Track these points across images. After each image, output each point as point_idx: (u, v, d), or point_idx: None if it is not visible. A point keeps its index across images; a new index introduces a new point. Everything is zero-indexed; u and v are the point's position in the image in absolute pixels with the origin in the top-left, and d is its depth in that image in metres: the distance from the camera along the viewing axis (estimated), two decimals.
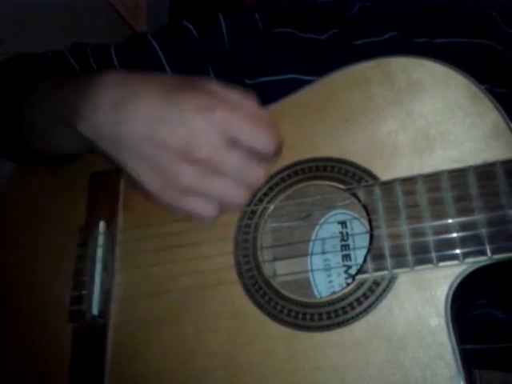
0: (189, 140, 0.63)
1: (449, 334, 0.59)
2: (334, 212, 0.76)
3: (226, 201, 0.68)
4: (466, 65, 0.69)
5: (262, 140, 0.65)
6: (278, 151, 0.68)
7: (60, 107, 0.73)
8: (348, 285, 0.65)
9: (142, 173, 0.66)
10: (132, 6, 1.90)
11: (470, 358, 0.67)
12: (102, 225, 0.80)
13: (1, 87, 0.85)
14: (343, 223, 0.76)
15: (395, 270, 0.62)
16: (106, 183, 0.83)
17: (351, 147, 0.69)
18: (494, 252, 0.59)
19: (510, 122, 0.63)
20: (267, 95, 0.77)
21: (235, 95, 0.66)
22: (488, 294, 0.73)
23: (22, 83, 0.81)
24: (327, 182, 0.70)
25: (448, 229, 0.61)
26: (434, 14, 0.87)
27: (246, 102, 0.66)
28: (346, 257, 0.74)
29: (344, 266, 0.74)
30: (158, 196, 0.67)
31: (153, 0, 2.04)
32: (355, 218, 0.75)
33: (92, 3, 1.75)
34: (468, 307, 0.71)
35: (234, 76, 0.89)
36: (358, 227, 0.75)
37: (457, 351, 0.59)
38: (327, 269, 0.75)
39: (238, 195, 0.67)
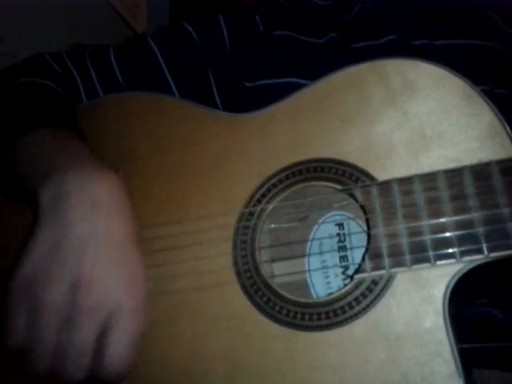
0: (90, 282, 0.60)
1: (447, 332, 0.61)
2: (331, 213, 0.78)
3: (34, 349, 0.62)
4: (465, 66, 0.71)
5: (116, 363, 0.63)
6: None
7: (43, 166, 0.71)
8: (346, 284, 0.67)
9: (37, 251, 0.63)
10: (132, 6, 1.92)
11: (469, 358, 0.68)
12: None
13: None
14: (340, 224, 0.77)
15: (393, 269, 0.64)
16: None
17: (347, 148, 0.71)
18: (490, 250, 0.61)
19: (504, 122, 0.65)
20: (266, 98, 0.79)
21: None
22: (487, 294, 0.74)
23: (15, 125, 0.79)
24: (324, 183, 0.72)
25: (445, 227, 0.63)
26: (433, 15, 0.89)
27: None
28: (344, 258, 0.76)
29: (342, 266, 0.76)
30: (16, 280, 0.64)
31: (153, 0, 2.06)
32: (352, 218, 0.76)
33: (92, 3, 1.77)
34: (465, 307, 0.73)
35: (233, 79, 0.91)
36: (355, 228, 0.76)
37: (455, 349, 0.60)
38: (325, 270, 0.76)
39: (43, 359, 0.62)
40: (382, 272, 0.64)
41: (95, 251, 0.62)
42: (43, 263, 0.62)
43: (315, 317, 0.66)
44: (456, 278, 0.62)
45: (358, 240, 0.75)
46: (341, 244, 0.77)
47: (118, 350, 0.62)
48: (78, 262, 0.61)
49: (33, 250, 0.63)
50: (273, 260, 0.77)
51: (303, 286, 0.77)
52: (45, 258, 0.62)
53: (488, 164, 0.63)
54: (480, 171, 0.63)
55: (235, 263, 0.72)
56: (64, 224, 0.62)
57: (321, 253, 0.78)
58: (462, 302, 0.71)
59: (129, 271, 0.63)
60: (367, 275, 0.65)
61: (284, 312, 0.68)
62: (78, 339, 0.60)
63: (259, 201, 0.74)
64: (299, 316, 0.67)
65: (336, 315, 0.66)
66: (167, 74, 0.91)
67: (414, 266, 0.63)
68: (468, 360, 0.64)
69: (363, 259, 0.66)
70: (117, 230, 0.64)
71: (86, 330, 0.60)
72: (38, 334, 0.61)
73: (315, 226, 0.79)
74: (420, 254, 0.63)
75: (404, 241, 0.64)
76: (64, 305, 0.60)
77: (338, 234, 0.77)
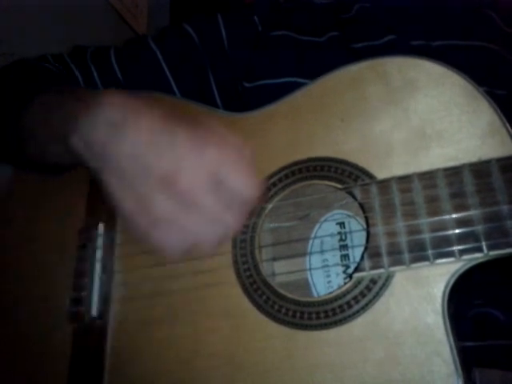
0: (173, 171, 0.63)
1: (446, 331, 0.61)
2: (332, 213, 0.79)
3: (194, 240, 0.66)
4: (464, 67, 0.71)
5: (246, 189, 0.65)
6: (259, 200, 0.67)
7: (57, 119, 0.74)
8: (345, 283, 0.68)
9: (119, 193, 0.66)
10: (132, 6, 1.94)
11: (470, 356, 0.68)
12: (101, 227, 0.83)
13: (2, 95, 0.87)
14: (341, 224, 0.78)
15: (392, 268, 0.65)
16: None
17: (347, 147, 0.72)
18: (489, 248, 0.61)
19: (505, 120, 0.65)
20: (266, 98, 0.80)
21: (232, 140, 0.67)
22: (487, 294, 0.75)
23: (23, 93, 0.83)
24: (324, 182, 0.72)
25: (444, 225, 0.63)
26: (432, 16, 0.90)
27: (240, 147, 0.66)
28: (345, 257, 0.76)
29: (343, 266, 0.76)
30: (129, 220, 0.66)
31: (153, 0, 2.07)
32: (352, 217, 0.77)
33: (92, 3, 1.78)
34: (466, 306, 0.73)
35: (233, 79, 0.91)
36: (357, 227, 0.77)
37: (454, 349, 0.61)
38: (326, 269, 0.77)
39: (209, 237, 0.65)
40: (381, 271, 0.65)
41: (149, 152, 0.63)
42: (131, 192, 0.65)
43: (314, 316, 0.67)
44: (455, 277, 0.63)
45: (360, 239, 0.75)
46: (342, 243, 0.78)
47: (237, 183, 0.64)
48: (148, 167, 0.63)
49: (114, 190, 0.66)
50: (274, 259, 0.77)
51: (304, 286, 0.78)
52: (128, 187, 0.65)
53: (488, 162, 0.64)
54: (480, 169, 0.64)
55: (235, 262, 0.73)
56: (111, 156, 0.65)
57: (322, 252, 0.78)
58: (462, 302, 0.72)
59: (185, 138, 0.64)
60: (366, 274, 0.66)
61: (283, 311, 0.69)
62: (204, 208, 0.63)
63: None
64: (298, 315, 0.68)
65: (335, 314, 0.66)
66: (168, 74, 0.92)
67: (413, 265, 0.64)
68: (469, 358, 0.64)
69: (362, 258, 0.66)
70: (147, 126, 0.65)
71: (205, 199, 0.63)
72: (176, 231, 0.64)
73: (316, 225, 0.79)
74: (419, 253, 0.64)
75: (403, 239, 0.65)
76: (172, 201, 0.63)
77: (339, 233, 0.78)
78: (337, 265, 0.77)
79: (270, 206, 0.74)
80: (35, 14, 1.50)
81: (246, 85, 0.90)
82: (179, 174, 0.62)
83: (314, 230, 0.79)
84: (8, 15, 1.40)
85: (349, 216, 0.78)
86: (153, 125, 0.65)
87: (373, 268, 0.65)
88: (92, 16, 1.76)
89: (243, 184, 0.64)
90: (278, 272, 0.78)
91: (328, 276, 0.77)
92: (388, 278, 0.65)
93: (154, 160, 0.63)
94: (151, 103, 0.68)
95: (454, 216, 0.63)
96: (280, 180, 0.75)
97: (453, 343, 0.61)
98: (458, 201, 0.64)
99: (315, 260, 0.78)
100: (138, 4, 1.99)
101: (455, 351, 0.61)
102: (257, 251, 0.73)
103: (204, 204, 0.63)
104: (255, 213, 0.74)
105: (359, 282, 0.66)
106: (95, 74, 0.93)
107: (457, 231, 0.63)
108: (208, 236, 0.65)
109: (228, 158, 0.64)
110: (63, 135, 0.70)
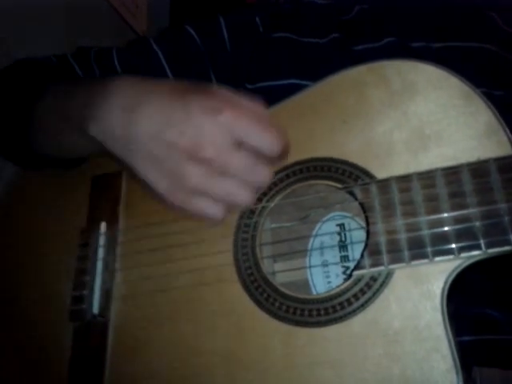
0: (196, 140, 0.67)
1: (445, 327, 0.64)
2: (332, 214, 0.81)
3: (233, 201, 0.72)
4: (463, 68, 0.74)
5: (267, 142, 0.69)
6: (283, 153, 0.72)
7: (71, 109, 0.78)
8: (345, 281, 0.70)
9: (151, 174, 0.70)
10: (132, 6, 1.97)
11: (469, 353, 0.71)
12: (103, 225, 0.86)
13: (9, 90, 0.90)
14: (341, 224, 0.80)
15: (391, 266, 0.67)
16: (107, 185, 0.89)
17: (348, 147, 0.75)
18: (488, 246, 0.63)
19: (502, 121, 0.68)
20: (268, 100, 0.82)
21: (242, 99, 0.71)
22: (487, 295, 0.77)
23: (32, 86, 0.86)
24: (325, 182, 0.75)
25: (443, 224, 0.66)
26: (432, 17, 0.92)
27: (253, 106, 0.71)
28: (345, 257, 0.79)
29: (342, 266, 0.78)
30: (166, 197, 0.71)
31: (153, 0, 2.10)
32: (352, 218, 0.79)
33: (92, 3, 1.81)
34: (465, 307, 0.75)
35: (234, 81, 0.94)
36: (356, 228, 0.79)
37: (453, 345, 0.63)
38: (326, 269, 0.79)
39: (244, 196, 0.71)
40: (381, 268, 0.67)
41: (168, 127, 0.68)
42: (162, 170, 0.70)
43: (315, 313, 0.69)
44: (454, 274, 0.65)
45: (359, 239, 0.77)
46: (342, 243, 0.80)
47: (258, 138, 0.69)
48: (172, 142, 0.68)
49: (145, 173, 0.71)
50: (274, 257, 0.80)
51: (304, 286, 0.80)
52: (158, 166, 0.70)
53: (486, 161, 0.66)
54: (478, 168, 0.66)
55: (236, 260, 0.76)
56: (134, 138, 0.70)
57: (322, 252, 0.80)
58: (462, 302, 0.74)
59: (197, 106, 0.68)
60: (366, 271, 0.68)
61: (284, 308, 0.71)
62: (235, 166, 0.69)
63: (260, 199, 0.77)
64: (299, 312, 0.70)
65: (335, 311, 0.68)
66: (170, 75, 0.95)
67: (413, 262, 0.66)
68: (468, 355, 0.66)
69: (362, 256, 0.69)
70: (160, 103, 0.69)
71: (233, 159, 0.69)
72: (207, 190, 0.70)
73: (316, 225, 0.82)
74: (418, 250, 0.66)
75: (402, 237, 0.67)
76: (203, 168, 0.68)
77: (339, 234, 0.80)
78: (336, 265, 0.79)
79: (271, 205, 0.77)
80: (35, 13, 1.52)
81: (248, 86, 0.92)
82: (202, 142, 0.66)
83: (314, 231, 0.82)
84: (8, 15, 1.42)
85: (348, 217, 0.80)
86: (164, 101, 0.69)
87: (373, 266, 0.68)
88: (92, 16, 1.79)
89: (264, 138, 0.69)
90: (278, 270, 0.80)
91: (328, 276, 0.79)
92: (388, 276, 0.67)
93: (175, 134, 0.67)
94: (159, 81, 0.73)
95: (453, 214, 0.66)
96: (281, 180, 0.77)
97: (452, 339, 0.63)
98: (457, 200, 0.66)
99: (315, 260, 0.81)
100: (138, 4, 2.02)
101: (454, 347, 0.63)
102: (257, 249, 0.75)
103: (234, 163, 0.68)
104: (257, 212, 0.77)
105: (359, 279, 0.69)
106: (98, 74, 0.96)
107: (455, 229, 0.65)
108: (242, 193, 0.70)
109: (243, 116, 0.68)
110: (80, 125, 0.74)
